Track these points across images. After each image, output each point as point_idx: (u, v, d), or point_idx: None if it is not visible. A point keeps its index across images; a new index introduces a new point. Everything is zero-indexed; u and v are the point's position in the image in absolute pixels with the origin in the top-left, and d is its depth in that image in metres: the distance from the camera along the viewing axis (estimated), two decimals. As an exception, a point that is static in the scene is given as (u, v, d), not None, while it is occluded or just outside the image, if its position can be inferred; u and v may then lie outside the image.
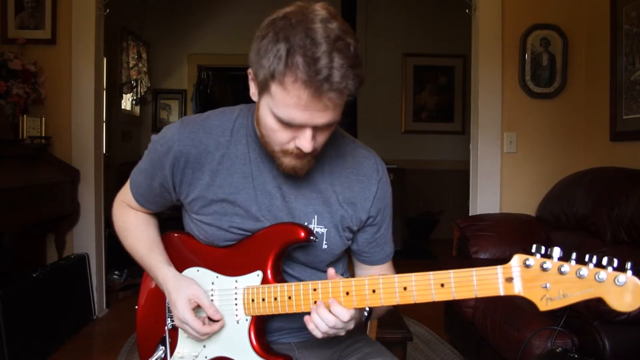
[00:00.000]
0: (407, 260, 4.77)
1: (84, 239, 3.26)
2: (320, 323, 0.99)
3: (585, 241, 2.46)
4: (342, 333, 1.02)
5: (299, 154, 1.00)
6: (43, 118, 3.07)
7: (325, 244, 1.13)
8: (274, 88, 0.92)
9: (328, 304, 0.99)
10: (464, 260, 2.79)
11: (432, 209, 5.81)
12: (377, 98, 5.85)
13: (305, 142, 0.96)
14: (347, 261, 1.28)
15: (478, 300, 2.34)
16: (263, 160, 1.11)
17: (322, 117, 0.94)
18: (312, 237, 1.07)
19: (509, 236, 2.80)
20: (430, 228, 5.75)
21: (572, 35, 3.21)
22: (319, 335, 1.00)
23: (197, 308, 1.10)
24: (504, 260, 0.88)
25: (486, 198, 3.22)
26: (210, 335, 1.10)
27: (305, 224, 1.11)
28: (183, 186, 1.13)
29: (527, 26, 3.20)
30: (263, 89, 0.96)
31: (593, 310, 1.72)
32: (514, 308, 2.08)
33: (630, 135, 2.77)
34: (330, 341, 1.20)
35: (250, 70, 0.99)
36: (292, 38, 0.88)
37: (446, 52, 5.91)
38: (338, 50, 0.88)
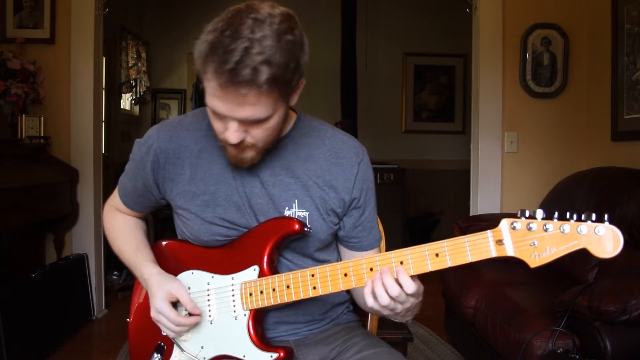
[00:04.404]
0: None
1: (83, 239, 3.25)
2: (383, 294, 0.94)
3: (587, 241, 2.44)
4: (399, 309, 0.97)
5: (233, 145, 1.00)
6: (42, 118, 3.07)
7: (309, 227, 1.13)
8: (203, 76, 0.94)
9: (393, 273, 0.95)
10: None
11: (432, 209, 5.80)
12: (377, 98, 5.83)
13: (229, 134, 0.98)
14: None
15: (479, 300, 2.33)
16: None
17: (242, 111, 0.94)
18: (306, 229, 1.08)
19: (509, 236, 2.78)
20: (430, 228, 5.74)
21: (573, 34, 3.20)
22: (376, 307, 0.96)
23: (179, 306, 1.12)
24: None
25: (487, 198, 3.21)
26: (184, 331, 1.12)
27: (287, 208, 1.12)
28: (166, 183, 1.15)
29: (528, 25, 3.19)
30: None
31: (594, 311, 1.71)
32: (514, 309, 2.07)
33: (632, 135, 2.76)
34: (329, 338, 1.21)
35: None
36: (221, 28, 0.92)
37: (447, 52, 5.89)
38: (258, 42, 0.89)
